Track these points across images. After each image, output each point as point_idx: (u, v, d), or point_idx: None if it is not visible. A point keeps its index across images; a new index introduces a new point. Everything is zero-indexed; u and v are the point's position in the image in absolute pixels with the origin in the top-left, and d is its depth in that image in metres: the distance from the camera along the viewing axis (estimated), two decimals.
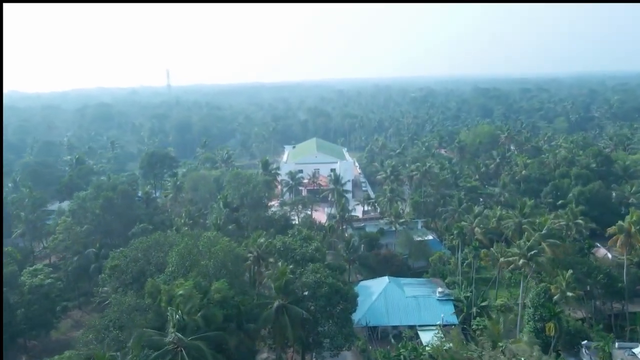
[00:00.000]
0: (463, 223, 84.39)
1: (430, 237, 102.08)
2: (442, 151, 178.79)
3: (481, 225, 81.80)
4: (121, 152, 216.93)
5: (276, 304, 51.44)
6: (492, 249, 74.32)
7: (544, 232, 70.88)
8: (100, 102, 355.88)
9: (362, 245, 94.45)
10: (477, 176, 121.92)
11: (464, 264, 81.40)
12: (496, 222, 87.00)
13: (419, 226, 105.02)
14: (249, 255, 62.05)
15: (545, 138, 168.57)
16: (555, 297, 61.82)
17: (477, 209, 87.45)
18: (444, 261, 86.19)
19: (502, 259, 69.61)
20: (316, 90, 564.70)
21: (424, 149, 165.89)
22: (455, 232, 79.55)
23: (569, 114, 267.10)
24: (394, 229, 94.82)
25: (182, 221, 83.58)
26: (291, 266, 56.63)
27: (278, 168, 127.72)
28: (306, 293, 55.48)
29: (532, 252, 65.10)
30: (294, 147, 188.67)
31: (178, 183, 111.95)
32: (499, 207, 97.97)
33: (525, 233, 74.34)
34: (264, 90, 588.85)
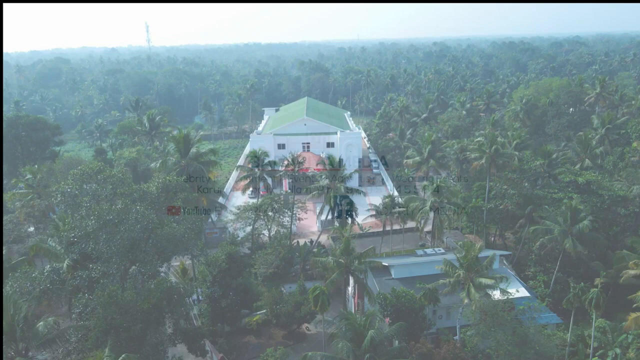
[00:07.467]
0: None
1: (524, 292, 51.29)
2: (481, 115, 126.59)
3: None
4: (53, 116, 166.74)
5: None
6: None
7: None
8: (57, 57, 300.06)
9: (388, 318, 44.03)
10: (587, 161, 69.38)
11: None
12: None
13: (496, 264, 53.73)
14: None
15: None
16: None
17: None
18: None
19: None
20: (315, 48, 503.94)
21: (464, 112, 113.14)
22: None
23: (629, 68, 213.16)
24: (460, 286, 43.33)
25: None
26: None
27: (202, 156, 64.01)
28: None
29: None
30: (277, 110, 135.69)
31: (39, 177, 60.35)
32: None
33: None
34: (258, 50, 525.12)
